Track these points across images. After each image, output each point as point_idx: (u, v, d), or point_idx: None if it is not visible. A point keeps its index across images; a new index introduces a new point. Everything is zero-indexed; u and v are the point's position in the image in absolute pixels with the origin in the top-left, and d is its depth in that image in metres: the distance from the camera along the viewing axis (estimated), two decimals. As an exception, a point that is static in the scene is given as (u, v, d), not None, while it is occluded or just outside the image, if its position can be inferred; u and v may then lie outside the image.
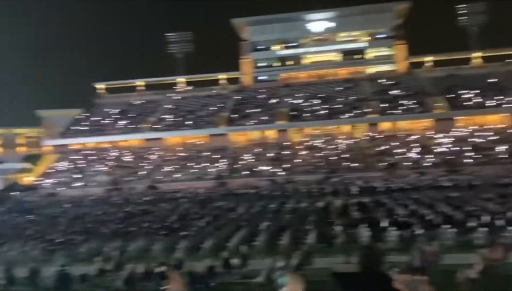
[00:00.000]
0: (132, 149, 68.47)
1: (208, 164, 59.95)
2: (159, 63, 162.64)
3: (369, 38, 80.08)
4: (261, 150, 62.88)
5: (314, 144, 62.82)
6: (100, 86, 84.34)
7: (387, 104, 65.58)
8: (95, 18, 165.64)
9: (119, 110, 77.02)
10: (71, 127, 74.61)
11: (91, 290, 15.28)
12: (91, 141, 70.66)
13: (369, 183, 42.13)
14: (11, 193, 51.93)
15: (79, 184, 58.39)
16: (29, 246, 22.28)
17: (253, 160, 59.98)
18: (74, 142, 71.11)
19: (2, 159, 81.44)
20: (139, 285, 14.68)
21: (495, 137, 56.24)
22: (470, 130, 59.72)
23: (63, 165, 65.80)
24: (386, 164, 52.88)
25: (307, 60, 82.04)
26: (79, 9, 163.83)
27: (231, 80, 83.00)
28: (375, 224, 21.39)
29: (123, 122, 72.93)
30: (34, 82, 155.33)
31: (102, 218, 29.91)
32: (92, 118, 75.94)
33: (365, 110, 65.10)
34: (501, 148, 52.30)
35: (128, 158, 65.68)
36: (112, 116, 75.38)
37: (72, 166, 64.75)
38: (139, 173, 60.15)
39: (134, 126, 71.27)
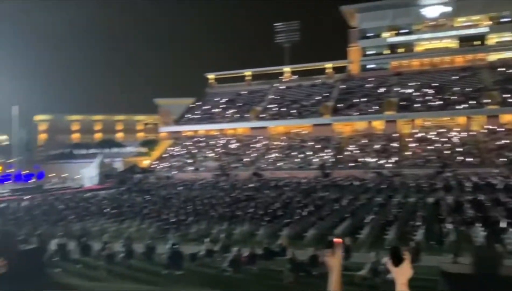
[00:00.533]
0: (238, 136, 70.89)
1: (311, 154, 59.90)
2: (266, 53, 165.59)
3: (491, 22, 73.17)
4: (367, 141, 61.19)
5: (426, 136, 59.53)
6: (211, 76, 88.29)
7: (509, 95, 59.64)
8: (207, 11, 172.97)
9: (228, 99, 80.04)
10: (185, 115, 79.20)
11: (200, 269, 16.20)
12: (202, 128, 74.61)
13: (485, 179, 38.88)
14: (131, 175, 56.80)
15: (191, 168, 62.02)
16: (146, 224, 24.24)
17: (359, 151, 58.62)
18: (186, 129, 75.63)
19: (123, 143, 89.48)
20: (243, 268, 15.24)
21: None
22: None
23: (177, 150, 70.29)
24: (506, 159, 48.32)
25: (420, 47, 77.60)
26: (193, 3, 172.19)
27: (337, 69, 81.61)
28: (493, 224, 19.73)
29: (231, 111, 75.67)
30: (152, 73, 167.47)
31: (211, 202, 31.41)
32: (203, 107, 79.90)
33: (483, 101, 59.90)
34: None
35: (234, 145, 68.16)
36: (221, 105, 78.59)
37: (185, 151, 68.90)
38: (245, 160, 62.10)
39: (241, 115, 73.56)
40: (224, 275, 14.97)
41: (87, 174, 56.03)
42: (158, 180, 55.43)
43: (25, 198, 38.44)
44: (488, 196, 30.70)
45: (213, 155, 65.87)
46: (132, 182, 53.04)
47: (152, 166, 64.85)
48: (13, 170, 61.15)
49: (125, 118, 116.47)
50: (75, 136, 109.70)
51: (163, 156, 69.21)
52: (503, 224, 19.20)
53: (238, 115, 73.95)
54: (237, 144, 68.42)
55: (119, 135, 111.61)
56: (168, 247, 17.09)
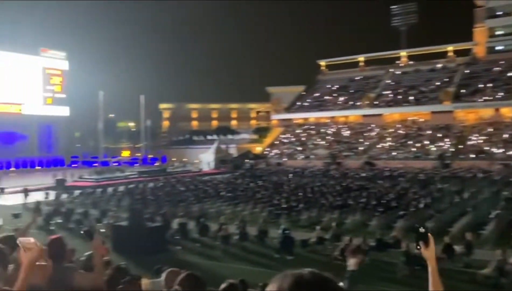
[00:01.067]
0: (350, 124, 69.48)
1: (429, 143, 56.60)
2: (381, 37, 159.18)
3: None
4: (493, 129, 56.02)
5: None
6: (323, 63, 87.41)
7: None
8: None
9: (339, 86, 78.69)
10: (296, 103, 79.70)
11: (311, 255, 16.36)
12: (312, 116, 74.48)
13: None
14: (244, 161, 58.97)
15: (301, 155, 62.44)
16: (258, 208, 25.06)
17: (483, 141, 53.97)
18: (297, 117, 76.09)
19: (237, 130, 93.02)
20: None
21: None
22: None
23: (288, 137, 71.18)
24: None
25: (560, 24, 68.58)
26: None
27: (460, 53, 75.51)
28: None
29: (343, 98, 74.35)
30: (264, 62, 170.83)
31: (321, 190, 31.36)
32: (314, 94, 79.63)
33: None
34: None
35: (346, 133, 66.96)
36: (333, 93, 77.56)
37: (295, 139, 69.50)
38: (357, 148, 60.76)
39: (353, 102, 71.91)
40: (335, 263, 14.95)
41: (205, 159, 59.42)
42: (269, 166, 56.79)
43: (150, 179, 41.97)
44: None
45: (323, 142, 65.50)
46: (245, 167, 55.02)
47: (264, 153, 66.54)
48: (140, 154, 67.20)
49: (239, 106, 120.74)
50: (194, 124, 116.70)
51: (274, 143, 70.57)
52: None
53: (351, 102, 72.41)
54: (349, 132, 67.14)
55: (234, 123, 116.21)
56: (280, 232, 17.52)
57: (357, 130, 66.72)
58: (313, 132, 70.56)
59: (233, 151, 66.38)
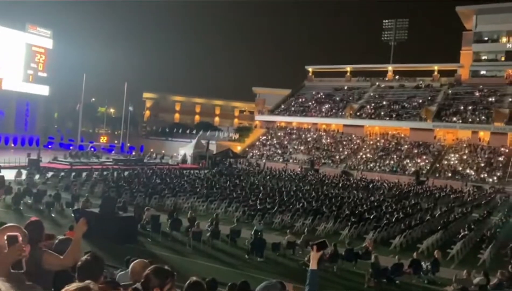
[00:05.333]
0: (332, 132, 70.05)
1: (407, 158, 57.45)
2: (369, 50, 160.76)
3: None
4: (469, 152, 57.22)
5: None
6: (311, 69, 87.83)
7: None
8: (315, 3, 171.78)
9: (325, 94, 79.23)
10: (280, 106, 79.91)
11: (281, 259, 16.39)
12: (295, 120, 74.85)
13: None
14: (224, 158, 58.77)
15: (280, 158, 62.63)
16: (233, 207, 25.00)
17: (459, 162, 55.04)
18: (280, 119, 76.34)
19: (219, 127, 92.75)
20: (324, 265, 15.12)
21: None
22: None
23: (269, 139, 71.31)
24: None
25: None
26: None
27: (444, 73, 76.88)
28: None
29: (327, 106, 74.88)
30: (253, 61, 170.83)
31: (297, 194, 31.48)
32: (299, 100, 79.99)
33: None
34: None
35: (327, 141, 67.46)
36: (318, 99, 78.04)
37: (276, 141, 69.68)
38: (336, 157, 61.26)
39: (337, 111, 72.50)
40: (304, 268, 14.99)
41: (184, 152, 59.00)
42: (248, 166, 56.76)
43: (126, 168, 41.45)
44: None
45: (303, 148, 65.84)
46: (224, 165, 54.86)
47: (244, 152, 66.48)
48: (117, 142, 66.35)
49: (223, 103, 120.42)
50: (177, 116, 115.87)
51: (255, 143, 70.61)
52: None
53: (334, 111, 73.00)
54: (329, 140, 67.64)
55: (216, 120, 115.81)
56: (252, 233, 17.50)
57: (337, 139, 67.29)
58: (294, 136, 70.88)
59: (213, 147, 66.10)
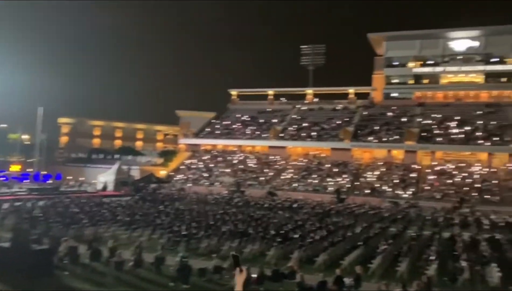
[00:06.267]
0: (256, 154, 70.98)
1: (328, 177, 59.50)
2: (290, 74, 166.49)
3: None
4: (385, 169, 60.57)
5: (445, 170, 58.64)
6: (234, 92, 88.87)
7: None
8: (237, 27, 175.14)
9: (249, 116, 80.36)
10: (205, 129, 79.69)
11: (207, 285, 16.09)
12: (220, 143, 74.97)
13: (504, 218, 37.92)
14: (147, 184, 57.13)
15: (206, 182, 62.15)
16: (157, 234, 24.27)
17: (376, 179, 58.00)
18: (205, 142, 76.08)
19: (142, 151, 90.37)
20: (251, 288, 15.06)
21: None
22: None
23: (194, 163, 70.62)
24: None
25: (445, 79, 77.20)
26: (218, 19, 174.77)
27: (360, 95, 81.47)
28: (510, 264, 19.20)
29: (251, 128, 75.93)
30: (176, 84, 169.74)
31: (224, 217, 31.30)
32: (223, 122, 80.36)
33: (507, 138, 58.93)
34: None
35: (252, 163, 68.16)
36: (242, 122, 78.91)
37: (202, 165, 69.16)
38: (261, 178, 61.97)
39: (261, 133, 73.73)
40: (231, 293, 14.84)
41: (104, 179, 56.56)
42: (172, 191, 55.62)
43: (41, 198, 38.92)
44: (506, 235, 29.91)
45: (229, 170, 65.96)
46: (147, 191, 53.31)
47: (169, 177, 65.20)
48: (32, 170, 62.19)
49: (146, 127, 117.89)
50: (96, 141, 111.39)
51: (180, 167, 69.58)
52: (520, 267, 18.65)
53: (258, 133, 74.18)
54: (254, 162, 68.43)
55: (139, 144, 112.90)
56: (177, 260, 17.07)
57: (262, 161, 68.26)
58: (220, 159, 70.86)
59: (135, 172, 64.12)
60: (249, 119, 79.65)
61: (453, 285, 16.73)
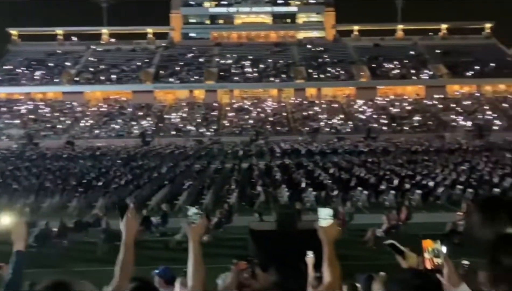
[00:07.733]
0: (49, 101, 64.56)
1: (131, 121, 58.20)
2: (81, 11, 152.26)
3: (300, 2, 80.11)
4: (188, 109, 62.02)
5: (243, 106, 63.04)
6: (14, 32, 77.32)
7: (314, 71, 66.99)
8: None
9: (35, 59, 71.52)
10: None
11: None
12: (3, 91, 65.50)
13: (293, 146, 43.20)
14: None
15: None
16: None
17: (180, 119, 59.10)
18: (-18, 91, 65.43)
19: None
20: (51, 242, 14.13)
21: (410, 108, 59.85)
22: (388, 99, 62.95)
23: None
24: (309, 128, 54.50)
25: (238, 20, 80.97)
26: None
27: (159, 35, 79.93)
28: (295, 185, 22.13)
29: (40, 73, 68.10)
30: None
31: (14, 174, 28.12)
32: (4, 67, 70.00)
33: (292, 75, 66.04)
34: (416, 118, 55.90)
35: (44, 111, 61.83)
36: (28, 66, 69.94)
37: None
38: (57, 127, 57.05)
39: (52, 78, 66.93)
40: (30, 251, 13.60)
41: None
42: None
43: None
44: (293, 160, 34.25)
45: (18, 121, 58.62)
46: None
47: None
48: None
49: None
50: None
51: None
52: (303, 185, 21.67)
53: (48, 77, 67.08)
54: (47, 110, 62.17)
55: None
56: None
57: (56, 108, 62.48)
58: (4, 109, 62.09)
59: None
60: (36, 63, 70.96)
61: (251, 209, 18.50)
